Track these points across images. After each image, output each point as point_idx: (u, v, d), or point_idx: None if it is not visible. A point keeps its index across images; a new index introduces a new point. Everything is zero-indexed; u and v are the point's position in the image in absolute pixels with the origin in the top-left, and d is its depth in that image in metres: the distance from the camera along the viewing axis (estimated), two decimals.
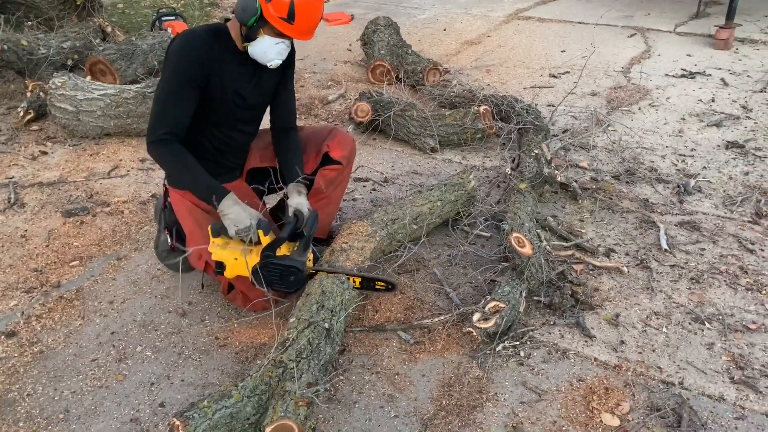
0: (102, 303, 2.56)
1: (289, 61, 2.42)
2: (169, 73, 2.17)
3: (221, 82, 2.24)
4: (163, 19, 5.64)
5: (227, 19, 2.29)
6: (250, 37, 2.16)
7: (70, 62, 4.67)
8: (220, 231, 2.22)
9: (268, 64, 2.22)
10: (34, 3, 5.37)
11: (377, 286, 2.36)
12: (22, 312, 2.50)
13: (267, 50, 2.18)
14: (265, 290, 2.25)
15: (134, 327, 2.42)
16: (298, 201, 2.30)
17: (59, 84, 3.85)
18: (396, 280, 2.43)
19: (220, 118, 2.33)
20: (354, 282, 2.31)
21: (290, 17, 2.09)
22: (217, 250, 2.24)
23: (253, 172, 2.65)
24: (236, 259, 2.23)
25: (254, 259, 2.21)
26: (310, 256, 2.32)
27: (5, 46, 4.30)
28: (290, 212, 2.28)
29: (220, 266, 2.26)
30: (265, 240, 2.20)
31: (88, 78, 4.31)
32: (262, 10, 2.08)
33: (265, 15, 2.08)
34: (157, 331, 2.40)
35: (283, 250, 2.24)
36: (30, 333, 2.39)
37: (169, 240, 2.57)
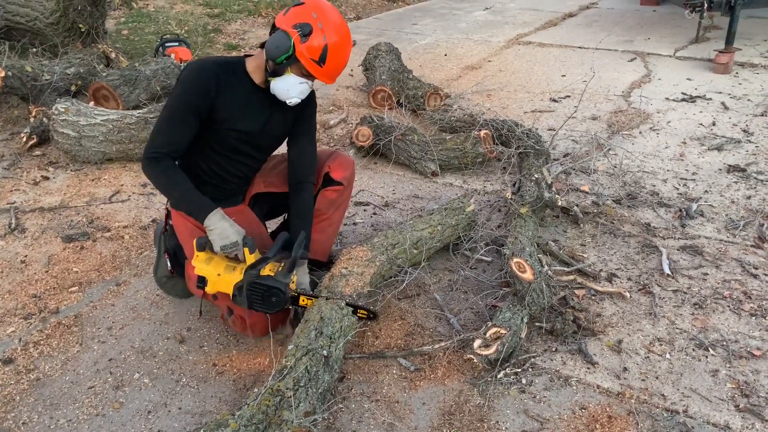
0: (100, 329, 2.54)
1: (303, 113, 2.43)
2: (175, 97, 2.21)
3: (226, 113, 2.26)
4: (166, 45, 5.70)
5: (248, 54, 2.32)
6: (276, 72, 2.20)
7: (73, 88, 4.71)
8: (205, 245, 2.21)
9: (288, 101, 2.25)
10: (39, 30, 5.44)
11: (359, 314, 2.34)
12: (20, 338, 2.48)
13: (290, 88, 2.22)
14: (246, 308, 2.24)
15: (132, 354, 2.40)
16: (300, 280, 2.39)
17: (62, 110, 3.88)
18: (377, 310, 2.42)
19: (220, 147, 2.35)
20: None
21: (322, 60, 2.14)
22: (201, 264, 2.22)
23: (257, 197, 2.66)
24: (219, 275, 2.21)
25: (237, 276, 2.20)
26: (294, 279, 2.31)
27: (9, 72, 4.34)
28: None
29: (202, 281, 2.24)
30: (250, 258, 2.19)
31: (91, 104, 4.34)
32: (295, 49, 2.11)
33: (297, 54, 2.12)
34: (155, 357, 2.38)
35: (266, 271, 2.22)
36: (27, 360, 2.37)
37: (168, 264, 2.56)
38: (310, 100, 2.44)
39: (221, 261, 2.23)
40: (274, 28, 2.18)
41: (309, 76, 2.21)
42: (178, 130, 2.22)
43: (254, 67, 2.28)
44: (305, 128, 2.50)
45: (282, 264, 2.27)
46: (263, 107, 2.34)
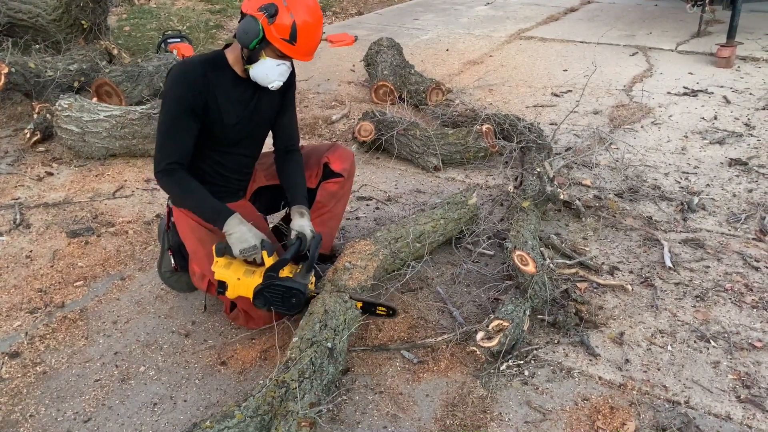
0: (105, 323, 2.56)
1: (289, 83, 2.44)
2: (168, 103, 2.21)
3: (218, 109, 2.26)
4: (168, 41, 5.71)
5: (228, 45, 2.32)
6: (251, 59, 2.19)
7: (76, 84, 4.72)
8: (224, 251, 2.23)
9: (270, 86, 2.24)
10: (42, 26, 5.44)
11: (378, 311, 2.36)
12: (26, 332, 2.50)
13: (269, 72, 2.20)
14: (265, 311, 2.26)
15: (137, 347, 2.42)
16: (300, 223, 2.32)
17: (66, 106, 3.90)
18: (397, 306, 2.43)
19: (218, 143, 2.36)
20: (355, 305, 2.31)
21: (292, 38, 2.12)
22: (220, 269, 2.25)
23: (259, 191, 2.67)
24: (239, 279, 2.24)
25: (256, 280, 2.22)
26: (313, 279, 2.33)
27: (13, 69, 4.35)
28: (293, 234, 2.30)
29: (223, 286, 2.27)
30: (269, 261, 2.21)
31: (95, 100, 4.35)
32: (265, 32, 2.10)
33: (267, 37, 2.11)
34: (161, 351, 2.40)
35: (285, 272, 2.25)
36: (33, 353, 2.39)
37: (172, 261, 2.57)
38: (290, 77, 2.42)
39: (240, 266, 2.26)
40: (242, 16, 2.16)
41: (285, 56, 2.18)
42: (181, 135, 2.23)
43: (234, 59, 2.27)
44: (289, 98, 2.51)
45: (300, 266, 2.30)
46: (250, 96, 2.34)
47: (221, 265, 2.25)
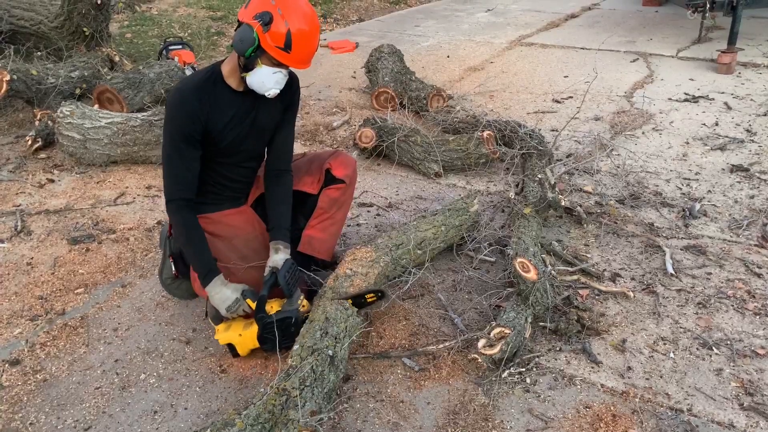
0: (106, 330, 2.56)
1: (291, 101, 2.45)
2: (168, 132, 2.24)
3: (216, 129, 2.28)
4: (170, 48, 5.72)
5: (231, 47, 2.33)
6: (248, 67, 2.20)
7: (78, 91, 4.73)
8: (219, 316, 2.29)
9: (266, 93, 2.25)
10: (44, 34, 5.46)
11: (368, 299, 2.37)
12: (27, 340, 2.50)
13: (265, 80, 2.21)
14: (278, 353, 2.26)
15: (138, 354, 2.42)
16: (274, 259, 2.34)
17: (67, 113, 3.90)
18: (383, 287, 2.42)
19: (219, 156, 2.37)
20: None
21: (287, 47, 2.13)
22: (222, 334, 2.30)
23: (262, 197, 2.66)
24: (240, 335, 2.28)
25: (255, 328, 2.26)
26: (305, 302, 2.35)
27: (15, 76, 4.36)
28: (266, 272, 2.32)
29: (232, 348, 2.32)
30: (254, 305, 2.25)
31: (96, 107, 4.36)
32: (260, 40, 2.11)
33: (262, 45, 2.12)
34: (161, 358, 2.40)
35: (275, 308, 2.27)
36: (34, 361, 2.39)
37: (173, 267, 2.57)
38: (296, 88, 2.45)
39: (238, 322, 2.31)
40: (239, 24, 2.17)
41: (280, 64, 2.19)
42: (185, 164, 2.25)
43: (229, 71, 2.28)
44: (289, 117, 2.51)
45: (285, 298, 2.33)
46: (249, 108, 2.35)
47: (222, 330, 2.31)
